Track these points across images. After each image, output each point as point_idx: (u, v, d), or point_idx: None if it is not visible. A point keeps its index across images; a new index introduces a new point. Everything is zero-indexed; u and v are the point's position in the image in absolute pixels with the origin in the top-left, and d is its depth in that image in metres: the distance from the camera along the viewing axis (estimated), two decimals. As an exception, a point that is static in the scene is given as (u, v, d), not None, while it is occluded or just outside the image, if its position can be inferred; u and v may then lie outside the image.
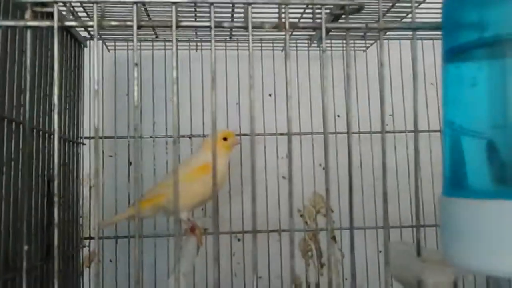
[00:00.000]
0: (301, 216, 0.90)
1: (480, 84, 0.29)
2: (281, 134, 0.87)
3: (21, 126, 0.57)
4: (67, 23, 0.36)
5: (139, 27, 0.36)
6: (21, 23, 0.35)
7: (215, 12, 0.38)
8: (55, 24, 0.35)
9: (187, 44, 0.86)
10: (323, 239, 0.89)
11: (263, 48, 0.88)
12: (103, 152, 0.84)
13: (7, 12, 0.52)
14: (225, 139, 0.72)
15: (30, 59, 0.36)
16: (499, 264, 0.26)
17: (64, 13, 0.41)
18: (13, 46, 0.54)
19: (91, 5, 0.37)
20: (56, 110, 0.36)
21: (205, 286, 0.80)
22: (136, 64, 0.36)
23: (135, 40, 0.36)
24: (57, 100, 0.37)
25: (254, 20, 0.39)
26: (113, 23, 0.36)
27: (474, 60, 0.30)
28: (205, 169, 0.66)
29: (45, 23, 0.36)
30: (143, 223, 0.81)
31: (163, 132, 0.85)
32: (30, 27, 0.35)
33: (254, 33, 0.38)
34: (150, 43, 0.85)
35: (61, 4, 0.36)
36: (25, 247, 0.34)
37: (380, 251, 0.86)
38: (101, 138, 0.82)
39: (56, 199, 0.37)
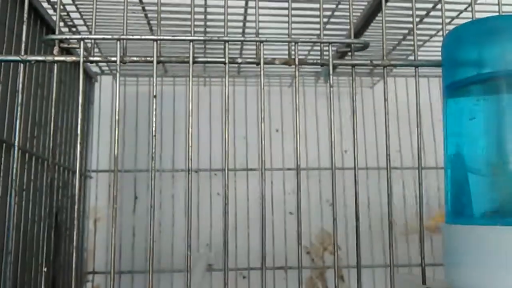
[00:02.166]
0: (308, 253, 0.89)
1: (477, 118, 0.31)
2: (289, 169, 0.87)
3: (33, 157, 0.57)
4: (92, 58, 0.37)
5: (158, 62, 0.38)
6: (49, 58, 0.37)
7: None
8: (81, 59, 0.36)
9: (196, 79, 0.88)
10: (330, 277, 0.87)
11: (270, 84, 0.90)
12: (109, 185, 0.84)
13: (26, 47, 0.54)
14: None
15: (55, 94, 0.37)
16: (498, 285, 0.28)
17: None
18: (30, 81, 0.55)
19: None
20: (78, 147, 0.37)
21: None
22: (155, 96, 0.37)
23: (155, 76, 0.37)
24: (80, 136, 0.38)
25: (264, 56, 0.40)
26: (134, 58, 0.37)
27: (471, 95, 0.32)
28: None
29: (71, 58, 0.37)
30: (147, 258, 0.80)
31: (172, 165, 0.85)
32: (57, 61, 0.37)
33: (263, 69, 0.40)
34: (159, 78, 0.87)
35: (87, 40, 0.37)
36: (44, 269, 0.33)
37: (389, 290, 0.84)
38: (108, 171, 0.82)
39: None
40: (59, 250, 0.68)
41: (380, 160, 0.87)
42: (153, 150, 0.35)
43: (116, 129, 0.35)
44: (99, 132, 0.82)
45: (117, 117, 0.35)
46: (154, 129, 0.36)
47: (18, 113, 0.35)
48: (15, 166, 0.33)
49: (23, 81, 0.35)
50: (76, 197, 0.36)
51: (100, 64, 0.81)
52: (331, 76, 0.41)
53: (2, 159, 0.49)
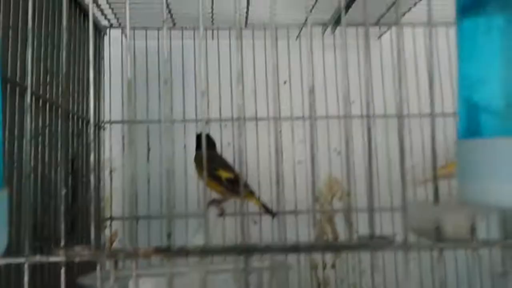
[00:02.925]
0: (317, 199, 0.91)
1: (493, 36, 0.31)
2: (297, 118, 0.88)
3: (47, 103, 0.59)
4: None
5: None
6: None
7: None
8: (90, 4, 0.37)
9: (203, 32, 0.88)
10: (338, 222, 0.90)
11: (278, 36, 0.90)
12: (122, 136, 0.86)
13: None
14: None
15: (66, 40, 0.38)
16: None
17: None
18: (40, 29, 0.57)
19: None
20: (91, 95, 0.38)
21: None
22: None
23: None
24: (93, 86, 0.39)
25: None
26: None
27: (487, 12, 0.31)
28: None
29: None
30: (162, 204, 0.83)
31: (183, 116, 0.87)
32: None
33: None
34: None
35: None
36: (64, 191, 0.36)
37: (394, 234, 0.86)
38: (121, 122, 0.85)
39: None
40: (76, 196, 0.71)
41: (387, 108, 0.88)
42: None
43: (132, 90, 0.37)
44: (110, 83, 0.84)
45: (128, 74, 0.37)
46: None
47: (30, 49, 0.37)
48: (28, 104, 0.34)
49: (32, 15, 0.36)
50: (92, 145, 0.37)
51: (108, 17, 0.82)
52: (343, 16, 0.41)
53: (16, 102, 0.51)
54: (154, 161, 0.86)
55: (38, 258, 0.31)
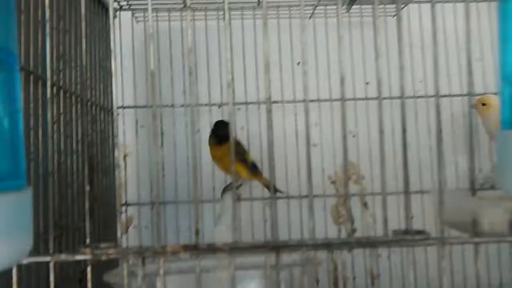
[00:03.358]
0: (332, 183, 0.90)
1: None
2: (311, 101, 0.86)
3: (61, 90, 0.58)
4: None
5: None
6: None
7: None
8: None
9: (215, 12, 0.86)
10: (354, 206, 0.89)
11: (291, 15, 0.88)
12: (136, 121, 0.85)
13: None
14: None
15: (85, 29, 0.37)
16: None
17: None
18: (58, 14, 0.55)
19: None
20: (114, 82, 0.36)
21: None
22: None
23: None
24: (114, 72, 0.37)
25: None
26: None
27: None
28: None
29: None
30: (178, 189, 0.83)
31: (197, 100, 0.86)
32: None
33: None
34: (178, 13, 0.85)
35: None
36: (87, 188, 0.35)
37: (413, 217, 0.85)
38: (134, 107, 0.84)
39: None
40: (92, 183, 0.71)
41: (407, 88, 0.85)
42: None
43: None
44: (121, 67, 0.82)
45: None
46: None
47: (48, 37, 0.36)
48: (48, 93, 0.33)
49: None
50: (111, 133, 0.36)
51: (118, -1, 0.81)
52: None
53: (31, 90, 0.50)
54: (167, 146, 0.85)
55: (63, 256, 0.31)
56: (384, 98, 0.87)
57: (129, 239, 0.84)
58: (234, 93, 0.86)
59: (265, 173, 0.82)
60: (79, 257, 0.30)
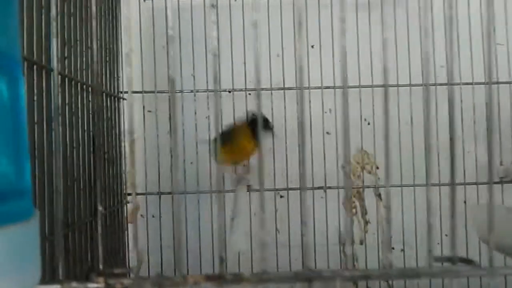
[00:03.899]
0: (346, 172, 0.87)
1: None
2: (327, 87, 0.82)
3: (65, 79, 0.55)
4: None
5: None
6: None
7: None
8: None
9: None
10: (368, 197, 0.86)
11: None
12: (143, 107, 0.82)
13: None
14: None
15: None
16: None
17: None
18: None
19: None
20: (123, 67, 0.33)
21: (249, 241, 0.80)
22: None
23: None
24: (125, 56, 0.34)
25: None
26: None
27: None
28: None
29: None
30: (186, 179, 0.80)
31: (203, 86, 0.82)
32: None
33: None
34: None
35: None
36: (100, 208, 0.32)
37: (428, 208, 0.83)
38: (141, 92, 0.80)
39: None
40: (98, 173, 0.68)
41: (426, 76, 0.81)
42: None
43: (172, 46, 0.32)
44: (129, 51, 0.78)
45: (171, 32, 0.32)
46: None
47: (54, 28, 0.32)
48: (53, 84, 0.30)
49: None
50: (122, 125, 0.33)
51: (124, -24, 0.75)
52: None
53: (34, 81, 0.47)
54: (176, 132, 0.82)
55: (74, 285, 0.28)
56: (404, 86, 0.84)
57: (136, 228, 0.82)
58: (246, 79, 0.82)
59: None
60: (91, 286, 0.27)
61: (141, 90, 0.80)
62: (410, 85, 0.83)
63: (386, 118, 0.34)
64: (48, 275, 0.38)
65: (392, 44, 0.82)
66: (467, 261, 0.30)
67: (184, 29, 0.81)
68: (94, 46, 0.63)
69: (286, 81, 0.82)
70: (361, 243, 0.86)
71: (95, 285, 0.27)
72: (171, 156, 0.80)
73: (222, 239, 0.29)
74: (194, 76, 0.82)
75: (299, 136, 0.33)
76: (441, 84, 0.81)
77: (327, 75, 0.83)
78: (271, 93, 0.82)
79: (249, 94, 0.84)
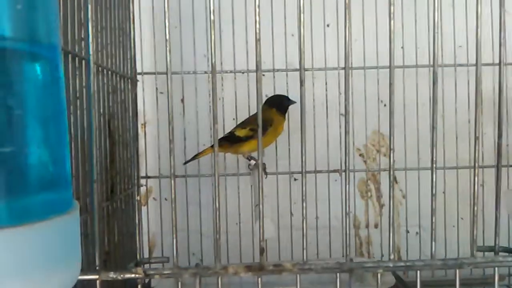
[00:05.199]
0: (360, 155, 0.86)
1: None
2: (343, 68, 0.80)
3: (83, 61, 0.53)
4: None
5: None
6: None
7: None
8: None
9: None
10: (383, 180, 0.86)
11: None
12: (156, 88, 0.80)
13: None
14: None
15: None
16: None
17: None
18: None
19: None
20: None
21: (276, 227, 0.79)
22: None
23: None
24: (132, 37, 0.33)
25: None
26: None
27: None
28: None
29: None
30: (199, 162, 0.79)
31: (221, 67, 0.80)
32: None
33: None
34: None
35: None
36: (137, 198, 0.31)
37: (444, 192, 0.82)
38: (154, 73, 0.79)
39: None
40: (113, 156, 0.67)
41: (445, 57, 0.80)
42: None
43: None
44: (141, 31, 0.76)
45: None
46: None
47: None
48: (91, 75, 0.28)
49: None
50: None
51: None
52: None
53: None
54: (189, 114, 0.80)
55: (112, 275, 0.27)
56: (422, 66, 0.82)
57: (148, 211, 0.81)
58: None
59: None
60: (129, 276, 0.27)
61: (154, 71, 0.78)
62: (429, 65, 0.81)
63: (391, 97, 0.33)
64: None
65: (412, 23, 0.80)
66: (510, 251, 0.29)
67: (199, 6, 0.79)
68: (109, 27, 0.61)
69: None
70: (375, 227, 0.86)
71: (134, 275, 0.27)
72: (184, 138, 0.79)
73: (259, 228, 0.29)
74: (207, 57, 0.81)
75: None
76: (470, 65, 0.79)
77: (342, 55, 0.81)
78: (287, 74, 0.80)
79: (263, 75, 0.82)
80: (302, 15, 0.32)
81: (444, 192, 0.81)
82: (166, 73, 0.36)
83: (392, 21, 0.35)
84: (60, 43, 0.22)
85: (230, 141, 0.72)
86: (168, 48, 0.34)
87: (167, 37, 0.33)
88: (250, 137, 0.71)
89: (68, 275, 0.21)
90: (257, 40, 0.27)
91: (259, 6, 0.30)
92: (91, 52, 0.28)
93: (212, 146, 0.71)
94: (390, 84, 0.30)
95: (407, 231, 0.84)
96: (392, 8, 0.34)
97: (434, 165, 0.31)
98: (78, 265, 0.22)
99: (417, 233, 0.83)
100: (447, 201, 0.81)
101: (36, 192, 0.20)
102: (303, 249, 0.28)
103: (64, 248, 0.21)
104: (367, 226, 0.85)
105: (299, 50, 0.29)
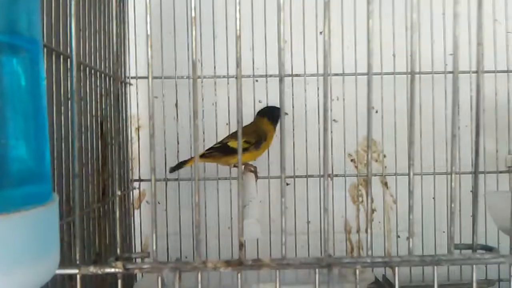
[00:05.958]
0: (352, 161, 0.87)
1: None
2: (335, 74, 0.82)
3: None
4: None
5: None
6: None
7: None
8: None
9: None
10: (374, 185, 0.86)
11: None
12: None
13: None
14: None
15: None
16: None
17: None
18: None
19: None
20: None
21: (261, 228, 0.80)
22: None
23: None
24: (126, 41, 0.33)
25: None
26: None
27: None
28: None
29: None
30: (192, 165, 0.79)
31: (210, 71, 0.81)
32: None
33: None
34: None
35: None
36: (118, 193, 0.32)
37: (434, 198, 0.83)
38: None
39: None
40: (105, 159, 0.67)
41: (435, 64, 0.81)
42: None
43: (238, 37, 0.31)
44: (135, 35, 0.77)
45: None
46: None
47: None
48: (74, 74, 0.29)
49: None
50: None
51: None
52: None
53: (45, 65, 0.46)
54: (183, 119, 0.81)
55: (92, 269, 0.27)
56: (414, 73, 0.83)
57: (141, 215, 0.82)
58: (254, 64, 0.82)
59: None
60: (108, 271, 0.27)
61: (147, 76, 0.79)
62: (420, 72, 0.82)
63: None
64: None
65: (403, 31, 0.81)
66: (487, 248, 0.30)
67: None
68: (102, 31, 0.62)
69: (294, 68, 0.82)
70: (366, 231, 0.86)
71: (113, 270, 0.27)
72: (178, 143, 0.80)
73: (240, 225, 0.29)
74: (201, 62, 0.82)
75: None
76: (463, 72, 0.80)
77: (336, 61, 0.82)
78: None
79: (256, 80, 0.83)
80: (282, 13, 0.33)
81: (434, 198, 0.82)
82: (148, 78, 0.36)
83: (370, 27, 0.35)
84: (41, 39, 0.23)
85: (221, 151, 0.73)
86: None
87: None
88: (244, 149, 0.72)
89: (46, 265, 0.22)
90: (237, 37, 0.28)
91: (239, 3, 0.30)
92: (73, 46, 0.29)
93: (200, 156, 0.72)
94: (369, 92, 0.31)
95: (398, 236, 0.85)
96: (371, 22, 0.34)
97: (412, 167, 0.32)
98: (56, 256, 0.23)
99: (407, 238, 0.84)
100: (437, 207, 0.82)
101: (14, 184, 0.20)
102: (281, 244, 0.29)
103: (43, 239, 0.21)
104: (358, 231, 0.86)
105: (278, 52, 0.30)
